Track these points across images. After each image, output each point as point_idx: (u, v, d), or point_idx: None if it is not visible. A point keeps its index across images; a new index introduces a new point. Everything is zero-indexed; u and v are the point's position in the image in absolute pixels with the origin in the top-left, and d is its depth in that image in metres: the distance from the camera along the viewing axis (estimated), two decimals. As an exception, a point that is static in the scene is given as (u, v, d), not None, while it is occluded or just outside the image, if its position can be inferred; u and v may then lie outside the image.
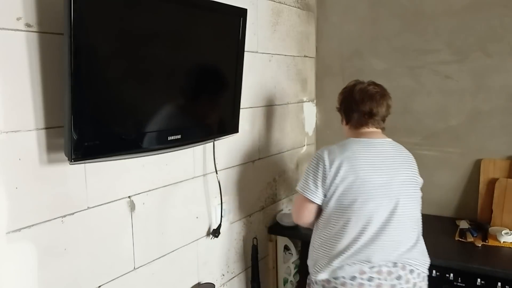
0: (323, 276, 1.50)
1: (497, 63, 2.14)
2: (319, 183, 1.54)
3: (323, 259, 1.53)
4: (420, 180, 1.66)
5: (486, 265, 1.72)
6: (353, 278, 1.45)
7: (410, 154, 1.65)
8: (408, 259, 1.48)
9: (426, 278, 1.55)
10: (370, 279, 1.44)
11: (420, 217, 1.61)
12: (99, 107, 1.20)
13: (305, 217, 1.64)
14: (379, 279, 1.44)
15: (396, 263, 1.47)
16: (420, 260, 1.51)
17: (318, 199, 1.56)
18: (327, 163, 1.53)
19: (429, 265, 1.56)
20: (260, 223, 2.26)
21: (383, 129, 1.66)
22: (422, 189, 2.24)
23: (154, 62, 1.34)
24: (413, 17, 2.33)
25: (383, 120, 1.65)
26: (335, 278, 1.47)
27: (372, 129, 1.63)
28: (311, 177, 1.57)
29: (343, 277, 1.46)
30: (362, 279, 1.44)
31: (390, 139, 1.63)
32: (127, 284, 1.51)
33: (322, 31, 2.64)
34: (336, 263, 1.48)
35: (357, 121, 1.64)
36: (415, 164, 1.65)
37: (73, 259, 1.32)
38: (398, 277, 1.46)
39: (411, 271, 1.48)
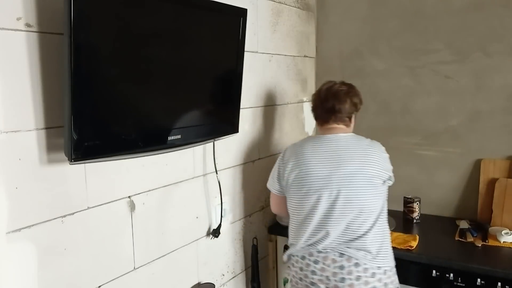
0: (285, 258, 1.72)
1: (497, 63, 2.13)
2: (275, 176, 1.76)
3: (290, 245, 1.70)
4: (385, 174, 1.60)
5: (486, 265, 1.72)
6: (303, 257, 1.61)
7: (375, 148, 1.63)
8: (358, 250, 1.52)
9: (378, 275, 1.52)
10: (316, 261, 1.58)
11: (378, 209, 1.57)
12: (99, 107, 1.20)
13: (273, 207, 1.89)
14: (323, 263, 1.56)
15: (343, 254, 1.53)
16: (368, 256, 1.51)
17: (275, 190, 1.77)
18: (281, 159, 1.74)
19: (386, 261, 1.55)
20: (260, 223, 2.26)
21: (347, 125, 1.70)
22: (422, 189, 2.23)
23: (154, 62, 1.34)
24: (413, 17, 2.33)
25: (349, 117, 1.69)
26: (292, 256, 1.67)
27: (333, 125, 1.69)
28: (272, 172, 1.80)
29: (296, 256, 1.64)
30: (309, 260, 1.59)
31: (351, 134, 1.69)
32: (127, 284, 1.51)
33: (322, 31, 2.64)
34: (293, 246, 1.66)
35: (321, 119, 1.73)
36: (378, 157, 1.60)
37: (73, 259, 1.32)
38: (341, 267, 1.52)
39: (356, 264, 1.52)
